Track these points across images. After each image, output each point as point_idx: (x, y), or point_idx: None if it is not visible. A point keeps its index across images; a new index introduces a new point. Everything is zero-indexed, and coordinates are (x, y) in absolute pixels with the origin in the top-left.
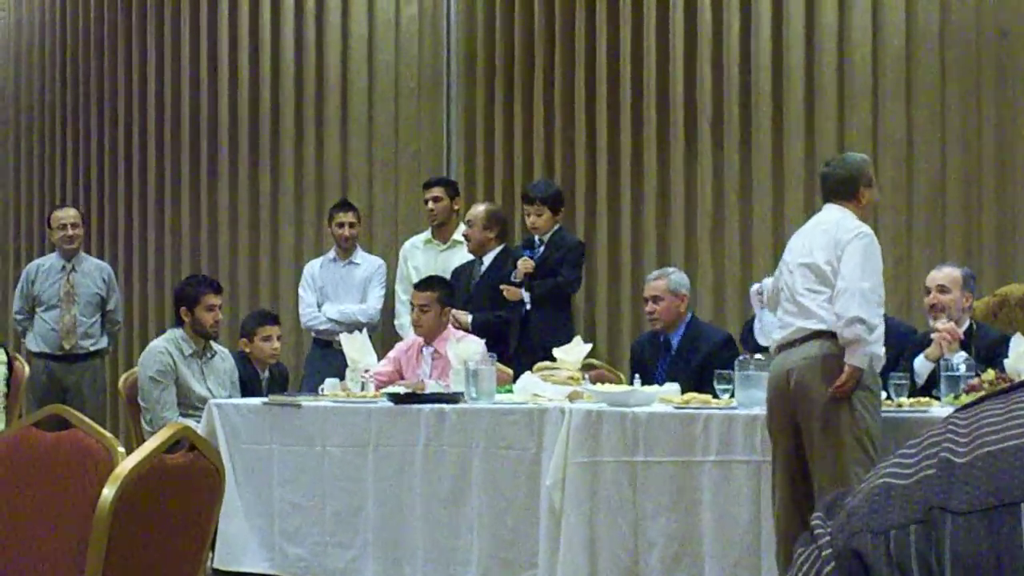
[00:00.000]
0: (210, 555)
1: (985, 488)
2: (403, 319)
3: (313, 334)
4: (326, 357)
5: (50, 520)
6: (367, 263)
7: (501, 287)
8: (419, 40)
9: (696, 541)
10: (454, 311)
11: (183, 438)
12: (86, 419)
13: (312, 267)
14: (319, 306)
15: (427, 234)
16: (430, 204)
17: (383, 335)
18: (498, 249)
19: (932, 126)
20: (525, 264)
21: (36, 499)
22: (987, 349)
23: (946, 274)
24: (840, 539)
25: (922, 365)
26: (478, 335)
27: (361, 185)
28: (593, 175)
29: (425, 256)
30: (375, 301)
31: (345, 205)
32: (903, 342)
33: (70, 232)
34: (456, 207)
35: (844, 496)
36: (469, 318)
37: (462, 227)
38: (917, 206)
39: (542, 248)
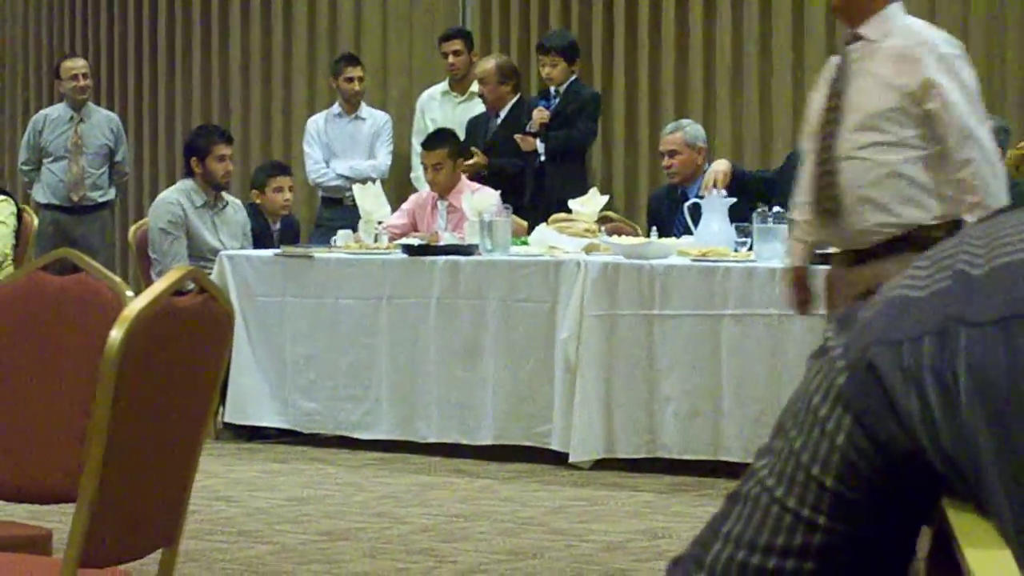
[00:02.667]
0: (222, 409)
1: (1002, 299)
2: (419, 171)
3: (321, 192)
4: (336, 215)
5: (59, 364)
6: (373, 118)
7: (516, 136)
8: None
9: (714, 397)
10: (472, 148)
11: (193, 280)
12: (95, 263)
13: (316, 122)
14: (326, 162)
15: (444, 86)
16: (451, 58)
17: (393, 187)
18: (513, 100)
19: None
20: (540, 114)
21: (45, 343)
22: (1017, 200)
23: None
24: (853, 351)
25: None
26: (493, 181)
27: (375, 37)
28: (611, 27)
29: (443, 108)
30: (384, 157)
31: (353, 59)
32: None
33: (81, 82)
34: (473, 59)
35: (858, 310)
36: (486, 159)
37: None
38: None
39: (557, 99)
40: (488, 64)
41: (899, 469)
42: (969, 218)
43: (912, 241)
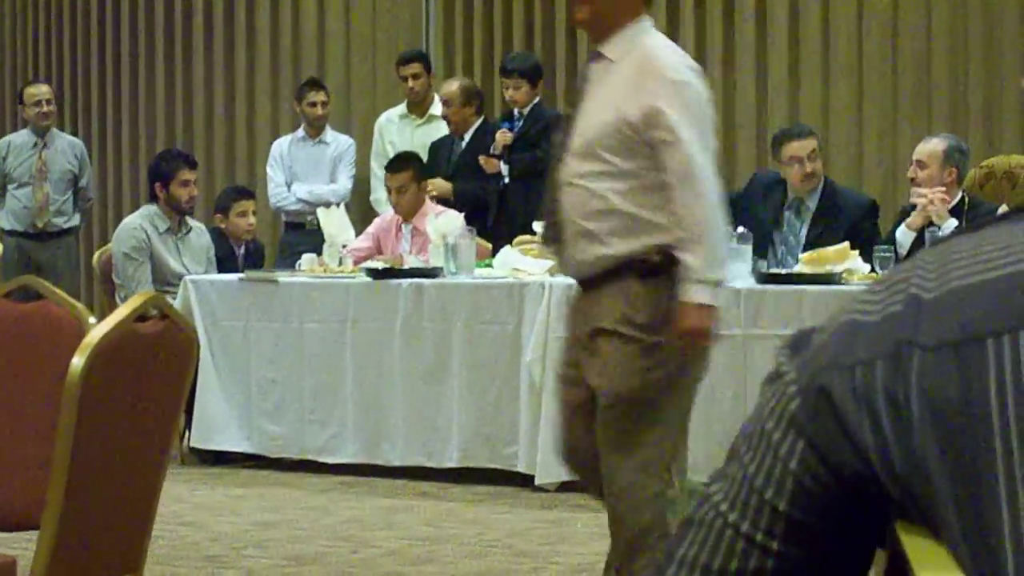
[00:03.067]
0: (187, 434)
1: (953, 322)
2: (379, 194)
3: (283, 217)
4: (299, 239)
5: (20, 392)
6: (337, 142)
7: (480, 159)
8: None
9: None
10: (433, 181)
11: (154, 306)
12: (57, 290)
13: (280, 145)
14: (288, 186)
15: (402, 108)
16: (410, 82)
17: (357, 210)
18: (478, 123)
19: None
20: (503, 136)
21: (6, 371)
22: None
23: (924, 148)
24: (805, 375)
25: (903, 234)
26: (460, 205)
27: (338, 59)
28: (574, 48)
29: (401, 131)
30: (345, 181)
31: (316, 84)
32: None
33: (44, 108)
34: (432, 81)
35: (810, 333)
36: (449, 186)
37: (438, 102)
38: (903, 77)
39: (521, 122)
40: (452, 87)
41: (852, 493)
42: (680, 253)
43: (631, 268)
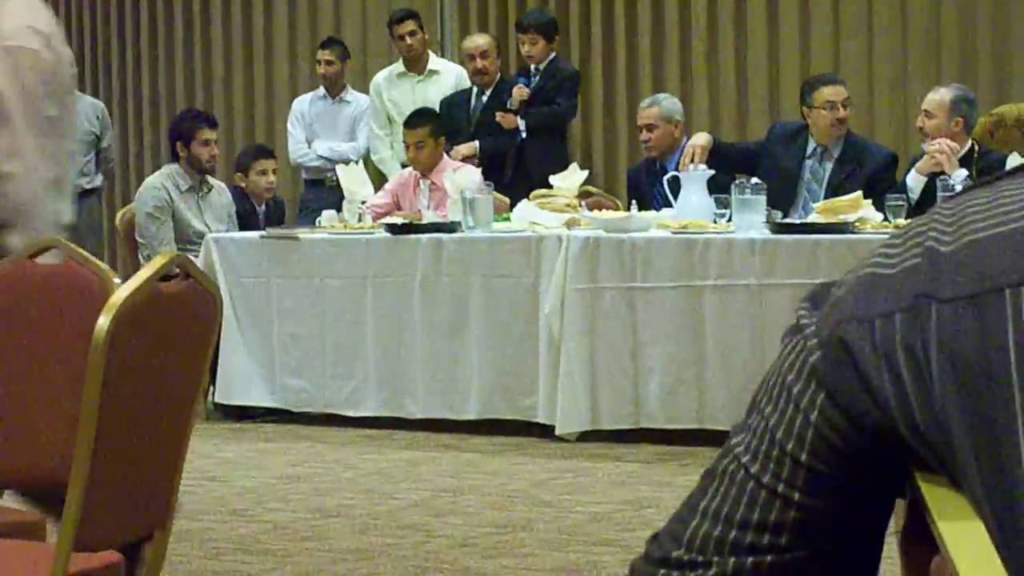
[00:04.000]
0: (212, 389)
1: (970, 274)
2: (381, 153)
3: (303, 173)
4: (319, 196)
5: (47, 353)
6: (357, 101)
7: (496, 115)
8: None
9: (697, 367)
10: (457, 147)
11: (178, 266)
12: (81, 250)
13: (301, 103)
14: (308, 143)
15: (399, 67)
16: (407, 39)
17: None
18: (496, 78)
19: None
20: (520, 91)
21: (31, 331)
22: (989, 169)
23: (932, 98)
24: (826, 328)
25: (914, 179)
26: (486, 160)
27: (354, 19)
28: (587, 4)
29: (402, 89)
30: (365, 139)
31: (326, 42)
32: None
33: None
34: (427, 37)
35: (830, 286)
36: (476, 144)
37: (434, 57)
38: (911, 28)
39: (537, 77)
40: (481, 40)
41: (872, 444)
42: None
43: None
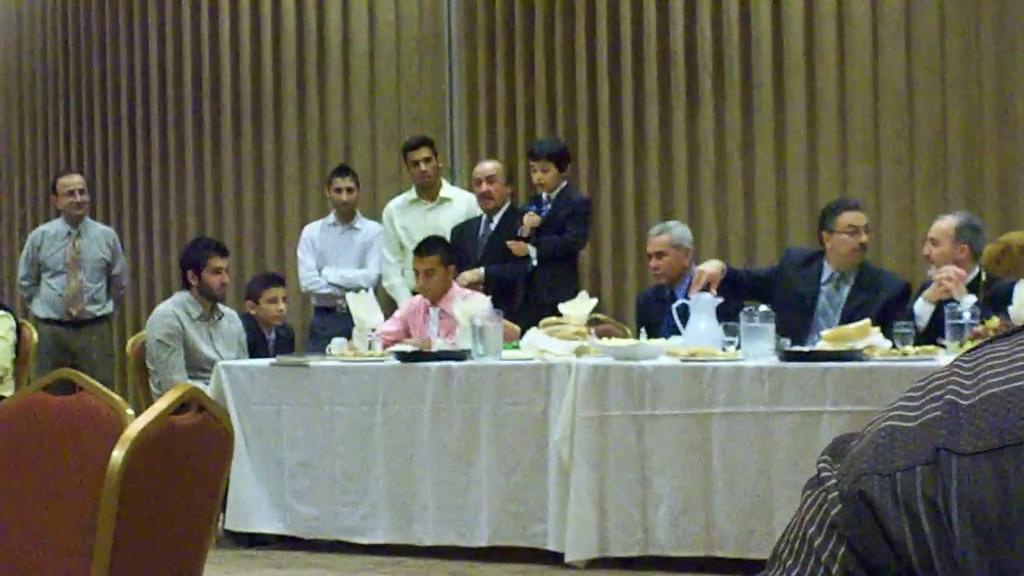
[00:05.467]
0: (221, 516)
1: (990, 429)
2: (392, 280)
3: (313, 301)
4: (329, 323)
5: (60, 484)
6: (367, 228)
7: (508, 243)
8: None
9: (705, 494)
10: (463, 274)
11: (191, 399)
12: (94, 382)
13: (312, 230)
14: (319, 270)
15: (411, 194)
16: (422, 165)
17: (380, 295)
18: (506, 205)
19: (932, 77)
20: (531, 219)
21: (46, 463)
22: (997, 295)
23: (938, 226)
24: (846, 481)
25: (922, 307)
26: (491, 287)
27: (364, 146)
28: (595, 130)
29: (413, 215)
30: (375, 266)
31: (343, 171)
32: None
33: (78, 198)
34: (440, 164)
35: (850, 439)
36: (481, 270)
37: (446, 184)
38: (919, 157)
39: (549, 205)
40: (492, 165)
41: None
42: None
43: None
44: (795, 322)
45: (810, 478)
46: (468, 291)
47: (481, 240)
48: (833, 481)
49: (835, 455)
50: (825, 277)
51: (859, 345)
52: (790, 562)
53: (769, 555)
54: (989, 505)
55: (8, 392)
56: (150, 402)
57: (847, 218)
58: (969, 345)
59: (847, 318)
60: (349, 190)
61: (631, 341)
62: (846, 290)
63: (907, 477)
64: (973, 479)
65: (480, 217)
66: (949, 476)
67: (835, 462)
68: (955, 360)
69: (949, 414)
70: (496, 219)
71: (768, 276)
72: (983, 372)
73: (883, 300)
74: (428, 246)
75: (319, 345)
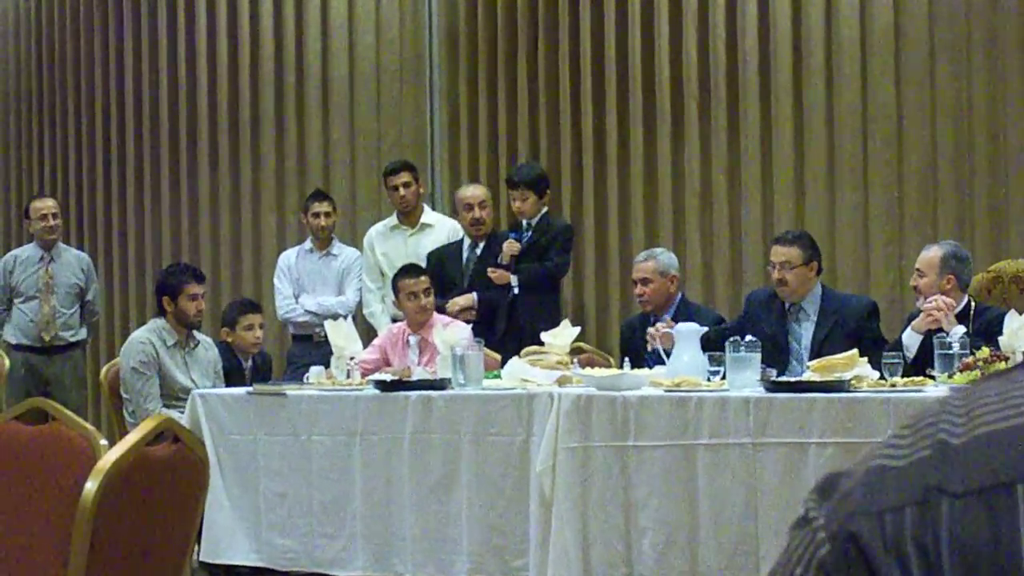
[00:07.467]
0: (196, 548)
1: (982, 469)
2: (372, 308)
3: (291, 328)
4: (307, 351)
5: (33, 514)
6: (345, 255)
7: (488, 270)
8: (400, 23)
9: (690, 526)
10: (456, 299)
11: (166, 429)
12: (67, 412)
13: (287, 257)
14: (296, 298)
15: (392, 220)
16: (401, 191)
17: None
18: (489, 231)
19: (922, 104)
20: (511, 246)
21: (18, 493)
22: (987, 326)
23: (924, 256)
24: (835, 521)
25: (910, 337)
26: (480, 313)
27: (343, 172)
28: (579, 157)
29: (394, 242)
30: (353, 293)
31: (319, 195)
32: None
33: (51, 222)
34: (421, 190)
35: (838, 478)
36: (474, 295)
37: (428, 210)
38: (908, 184)
39: (530, 232)
40: (479, 190)
41: None
42: None
43: None
44: (775, 362)
45: (797, 517)
46: (448, 319)
47: (466, 266)
48: (821, 521)
49: (822, 493)
50: (787, 312)
51: (846, 376)
52: None
53: None
54: (979, 546)
55: None
56: (124, 431)
57: (772, 253)
58: (959, 376)
59: (816, 351)
60: (327, 215)
61: (614, 371)
62: (809, 324)
63: (896, 518)
64: (964, 520)
65: (460, 242)
66: (939, 517)
67: (823, 501)
68: (947, 397)
69: (940, 453)
70: (481, 245)
71: (741, 326)
72: (976, 411)
73: (851, 327)
74: (418, 270)
75: (297, 374)
